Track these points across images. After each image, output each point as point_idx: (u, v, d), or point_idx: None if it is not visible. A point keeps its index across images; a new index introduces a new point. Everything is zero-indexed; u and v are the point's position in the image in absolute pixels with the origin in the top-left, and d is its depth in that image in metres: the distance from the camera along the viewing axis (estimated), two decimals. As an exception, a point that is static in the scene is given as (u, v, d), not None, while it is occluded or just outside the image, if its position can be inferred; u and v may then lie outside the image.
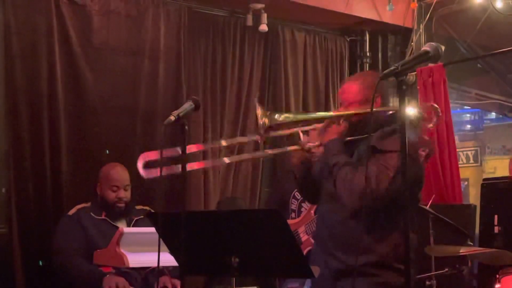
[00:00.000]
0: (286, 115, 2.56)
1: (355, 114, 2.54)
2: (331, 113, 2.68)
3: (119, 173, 3.62)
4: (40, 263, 3.60)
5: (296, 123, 2.61)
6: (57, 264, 3.45)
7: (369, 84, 2.59)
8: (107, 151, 3.77)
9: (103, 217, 3.55)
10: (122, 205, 3.59)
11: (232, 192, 4.65)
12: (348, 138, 2.56)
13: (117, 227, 3.49)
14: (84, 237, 3.46)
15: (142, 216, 3.63)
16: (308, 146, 2.59)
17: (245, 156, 2.53)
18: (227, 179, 4.64)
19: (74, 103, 4.02)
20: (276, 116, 2.47)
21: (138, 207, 3.73)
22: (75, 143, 3.99)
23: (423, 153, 2.61)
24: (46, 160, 3.86)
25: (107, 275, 3.29)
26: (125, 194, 3.60)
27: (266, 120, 2.44)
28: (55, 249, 3.48)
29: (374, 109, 2.47)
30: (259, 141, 2.52)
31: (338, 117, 2.57)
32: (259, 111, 2.44)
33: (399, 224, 2.27)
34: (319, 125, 2.59)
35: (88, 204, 3.60)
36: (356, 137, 2.55)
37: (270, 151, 2.84)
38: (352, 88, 2.63)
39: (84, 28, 4.07)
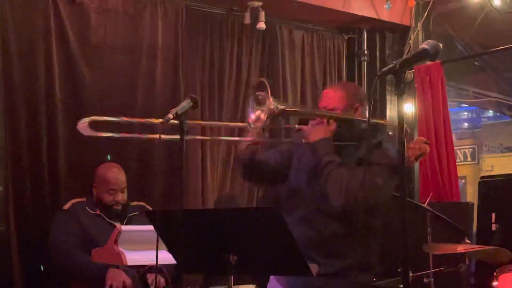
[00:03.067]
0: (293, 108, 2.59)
1: (346, 120, 2.58)
2: (326, 112, 2.66)
3: (116, 176, 3.60)
4: (42, 267, 3.59)
5: (300, 114, 2.68)
6: (55, 259, 3.45)
7: (352, 92, 2.69)
8: (109, 157, 3.75)
9: (98, 212, 3.56)
10: (119, 207, 3.58)
11: (229, 190, 4.65)
12: (335, 143, 2.58)
13: (111, 223, 3.50)
14: (80, 231, 3.46)
15: (136, 213, 3.62)
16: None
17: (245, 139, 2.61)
18: (225, 178, 4.64)
19: (71, 101, 4.01)
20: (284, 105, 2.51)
21: (133, 203, 3.72)
22: (73, 141, 3.98)
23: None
24: (44, 158, 3.85)
25: (110, 269, 3.28)
26: (122, 197, 3.59)
27: (278, 105, 2.46)
28: (52, 244, 3.47)
29: (359, 118, 2.60)
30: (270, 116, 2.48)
31: (330, 117, 2.58)
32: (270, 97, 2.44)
33: (378, 228, 2.50)
34: (314, 122, 2.60)
35: (84, 199, 3.60)
36: (341, 143, 2.58)
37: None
38: (335, 94, 2.67)
39: (81, 26, 4.06)
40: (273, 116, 2.47)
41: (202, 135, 4.49)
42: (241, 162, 2.74)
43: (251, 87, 2.56)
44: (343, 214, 2.46)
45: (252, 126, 2.49)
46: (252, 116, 2.49)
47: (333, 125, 2.56)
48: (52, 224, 3.53)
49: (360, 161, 2.48)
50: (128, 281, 3.23)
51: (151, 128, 4.21)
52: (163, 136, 2.34)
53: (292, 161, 2.73)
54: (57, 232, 3.47)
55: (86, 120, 2.38)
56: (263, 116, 2.46)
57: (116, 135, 2.53)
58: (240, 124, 2.70)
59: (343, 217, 2.47)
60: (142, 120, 2.65)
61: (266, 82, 2.48)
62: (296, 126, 2.66)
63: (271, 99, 2.43)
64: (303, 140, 2.61)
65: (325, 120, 2.57)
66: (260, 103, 2.48)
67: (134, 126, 4.21)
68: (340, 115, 2.59)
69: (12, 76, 3.80)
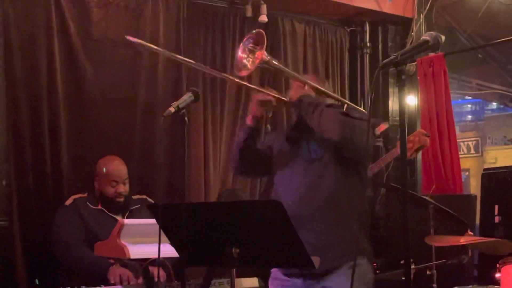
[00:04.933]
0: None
1: (323, 93, 2.75)
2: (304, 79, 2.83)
3: (118, 168, 3.61)
4: (37, 282, 3.60)
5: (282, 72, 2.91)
6: (59, 255, 3.46)
7: (323, 80, 2.95)
8: (103, 173, 3.74)
9: (99, 207, 3.56)
10: (121, 199, 3.59)
11: (232, 183, 4.65)
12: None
13: (113, 217, 3.51)
14: (83, 226, 3.47)
15: (138, 206, 3.63)
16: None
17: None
18: (228, 171, 4.64)
19: (73, 96, 4.02)
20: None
21: (135, 196, 3.72)
22: (75, 135, 3.99)
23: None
24: (46, 153, 3.86)
25: (113, 266, 3.29)
26: (124, 189, 3.60)
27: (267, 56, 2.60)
28: (55, 240, 3.48)
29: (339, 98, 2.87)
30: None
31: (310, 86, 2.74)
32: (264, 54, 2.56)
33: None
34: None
35: (85, 195, 3.61)
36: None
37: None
38: (310, 77, 2.88)
39: (83, 20, 4.06)
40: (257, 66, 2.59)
41: (204, 128, 4.52)
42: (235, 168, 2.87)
43: (248, 35, 2.62)
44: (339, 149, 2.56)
45: (239, 68, 2.59)
46: (242, 60, 2.60)
47: (311, 90, 2.72)
48: (54, 220, 3.53)
49: (342, 113, 2.61)
50: (126, 274, 3.24)
51: (153, 122, 4.23)
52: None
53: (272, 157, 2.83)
54: (60, 228, 3.48)
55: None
56: (250, 66, 2.55)
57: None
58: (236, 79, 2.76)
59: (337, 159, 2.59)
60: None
61: (264, 34, 2.58)
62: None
63: (263, 49, 2.55)
64: (288, 98, 2.70)
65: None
66: (251, 52, 2.58)
67: (137, 120, 4.23)
68: (322, 89, 2.75)
69: (14, 71, 3.80)
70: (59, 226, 3.48)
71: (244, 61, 2.58)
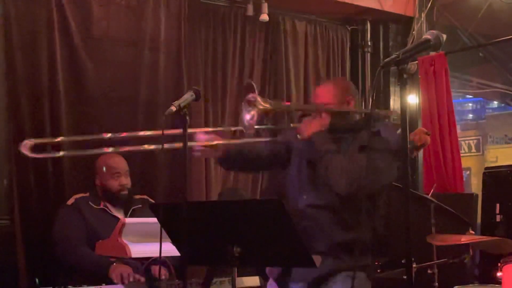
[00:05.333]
0: (279, 103, 2.66)
1: (339, 112, 2.67)
2: (316, 105, 2.76)
3: (118, 160, 3.62)
4: (37, 281, 3.60)
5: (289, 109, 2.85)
6: (59, 254, 3.46)
7: (343, 86, 2.79)
8: (104, 169, 3.74)
9: (101, 206, 3.56)
10: (126, 192, 3.58)
11: (233, 183, 4.65)
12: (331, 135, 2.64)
13: (115, 217, 3.51)
14: (84, 226, 3.46)
15: (140, 206, 3.63)
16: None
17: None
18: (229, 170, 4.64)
19: (74, 94, 4.01)
20: (273, 104, 2.60)
21: (137, 196, 3.72)
22: (76, 134, 3.98)
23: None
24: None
25: (114, 264, 3.29)
26: (127, 181, 3.61)
27: (268, 105, 2.52)
28: (56, 240, 3.47)
29: (349, 109, 2.71)
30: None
31: (322, 110, 2.66)
32: (258, 97, 2.50)
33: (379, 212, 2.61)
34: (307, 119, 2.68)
35: (87, 194, 3.60)
36: (340, 135, 2.65)
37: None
38: (326, 90, 2.77)
39: (84, 18, 4.05)
40: (265, 114, 2.54)
41: (205, 127, 4.51)
42: (218, 160, 2.84)
43: (243, 88, 2.60)
44: (345, 201, 2.51)
45: (247, 127, 2.53)
46: (247, 116, 2.53)
47: (326, 119, 2.64)
48: (55, 220, 3.53)
49: (362, 148, 2.55)
50: (127, 271, 3.25)
51: (154, 121, 4.23)
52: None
53: (290, 153, 2.80)
54: (61, 227, 3.48)
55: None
56: (255, 117, 2.52)
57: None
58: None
59: (344, 205, 2.53)
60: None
61: (253, 83, 2.55)
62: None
63: (258, 98, 2.50)
64: (298, 136, 2.67)
65: (317, 115, 2.65)
66: (251, 104, 2.52)
67: (138, 119, 4.23)
68: (332, 108, 2.66)
69: (15, 70, 3.80)
70: (61, 226, 3.48)
71: (252, 113, 2.53)
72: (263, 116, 2.54)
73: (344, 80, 2.85)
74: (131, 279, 3.20)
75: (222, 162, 2.85)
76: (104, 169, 3.61)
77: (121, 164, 3.62)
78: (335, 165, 2.52)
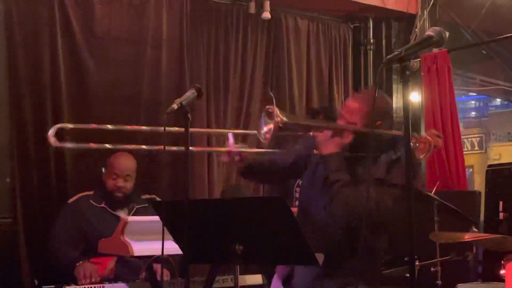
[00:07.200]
0: (297, 118, 2.58)
1: (360, 133, 2.48)
2: (337, 125, 2.60)
3: (121, 162, 3.62)
4: (36, 282, 3.61)
5: (304, 127, 2.63)
6: (48, 251, 3.52)
7: (376, 108, 2.42)
8: (103, 169, 3.74)
9: (102, 205, 3.57)
10: (120, 194, 3.59)
11: (236, 180, 4.65)
12: (348, 154, 2.52)
13: (116, 216, 3.51)
14: (80, 226, 3.49)
15: (145, 205, 3.63)
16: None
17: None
18: (231, 168, 4.64)
19: (77, 93, 4.02)
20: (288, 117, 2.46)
21: (144, 196, 3.74)
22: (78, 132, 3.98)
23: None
24: (50, 150, 3.86)
25: (79, 263, 3.35)
26: (124, 184, 3.59)
27: (283, 117, 2.39)
28: (50, 237, 3.54)
29: (377, 130, 2.48)
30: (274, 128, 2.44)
31: (343, 129, 2.51)
32: (275, 108, 2.40)
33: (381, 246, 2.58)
34: (328, 133, 2.53)
35: (91, 192, 3.62)
36: (356, 154, 2.50)
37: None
38: (357, 108, 2.56)
39: (86, 17, 4.05)
40: (280, 128, 2.42)
41: (207, 125, 4.51)
42: (240, 171, 2.81)
43: (265, 100, 2.55)
44: (346, 232, 2.46)
45: (263, 137, 2.47)
46: (264, 129, 2.47)
47: (348, 138, 2.49)
48: (56, 218, 3.56)
49: (377, 182, 2.43)
50: (89, 271, 3.30)
51: (156, 119, 4.23)
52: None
53: (307, 165, 2.70)
54: (56, 226, 3.53)
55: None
56: (271, 130, 2.42)
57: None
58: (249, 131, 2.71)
59: (346, 235, 2.48)
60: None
61: (272, 94, 2.52)
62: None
63: (277, 110, 2.39)
64: (314, 151, 2.57)
65: (339, 134, 2.50)
66: (270, 116, 2.43)
67: (140, 117, 4.23)
68: (355, 128, 2.51)
69: (17, 68, 3.80)
70: (55, 224, 3.54)
71: (269, 126, 2.43)
72: (280, 130, 2.41)
73: (380, 99, 2.54)
74: (93, 279, 3.25)
75: (243, 172, 2.79)
76: (107, 166, 3.63)
77: (123, 166, 3.61)
78: (341, 198, 2.43)
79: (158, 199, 3.77)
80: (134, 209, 3.62)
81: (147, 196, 3.76)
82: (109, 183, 3.59)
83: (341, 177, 2.46)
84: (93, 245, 3.37)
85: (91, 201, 3.57)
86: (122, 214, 3.56)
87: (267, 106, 2.46)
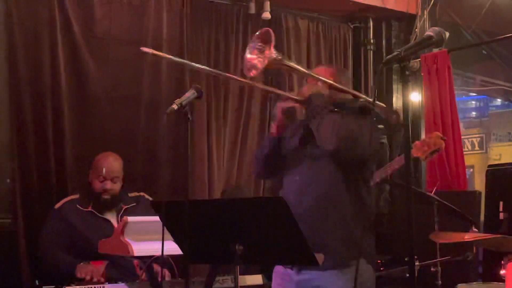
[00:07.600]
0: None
1: (338, 89, 2.69)
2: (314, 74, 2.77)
3: (109, 163, 3.55)
4: (37, 282, 3.61)
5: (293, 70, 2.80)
6: (39, 256, 3.50)
7: (341, 71, 2.88)
8: (103, 170, 3.70)
9: (89, 209, 3.51)
10: (108, 197, 3.52)
11: (236, 181, 4.65)
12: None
13: (104, 219, 3.49)
14: (66, 231, 3.45)
15: (134, 204, 3.59)
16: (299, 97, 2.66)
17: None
18: (232, 168, 4.64)
19: (77, 93, 4.02)
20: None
21: (131, 194, 3.68)
22: (79, 133, 3.99)
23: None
24: (50, 150, 3.86)
25: (81, 264, 3.33)
26: (112, 186, 3.53)
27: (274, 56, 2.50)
28: (39, 242, 3.51)
29: (350, 91, 2.75)
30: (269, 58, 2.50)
31: (319, 80, 2.69)
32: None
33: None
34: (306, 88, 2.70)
35: (77, 196, 3.56)
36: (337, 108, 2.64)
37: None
38: (325, 71, 2.79)
39: (86, 17, 4.05)
40: (270, 67, 2.51)
41: (208, 125, 4.51)
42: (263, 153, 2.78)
43: (255, 35, 2.56)
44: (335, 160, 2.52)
45: (248, 67, 2.52)
46: (251, 60, 2.52)
47: (325, 88, 2.66)
48: (44, 223, 3.54)
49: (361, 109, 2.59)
50: (91, 272, 3.29)
51: (157, 119, 4.23)
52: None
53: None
54: (43, 232, 3.50)
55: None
56: (260, 64, 2.49)
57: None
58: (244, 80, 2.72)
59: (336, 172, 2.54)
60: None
61: (272, 32, 2.51)
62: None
63: (272, 48, 2.46)
64: (300, 95, 2.66)
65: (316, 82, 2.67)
66: (260, 51, 2.50)
67: (140, 118, 4.23)
68: (336, 84, 2.68)
69: (17, 69, 3.80)
70: (44, 230, 3.51)
71: (254, 61, 2.52)
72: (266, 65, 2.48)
73: (342, 68, 2.89)
74: (94, 279, 3.24)
75: (262, 171, 2.84)
76: (93, 168, 3.58)
77: (111, 168, 3.55)
78: (327, 123, 2.50)
79: (147, 196, 3.73)
80: (123, 209, 3.56)
81: (135, 193, 3.72)
82: (96, 185, 3.52)
83: (326, 105, 2.58)
84: (83, 251, 3.36)
85: (77, 205, 3.50)
86: (110, 216, 3.52)
87: (259, 43, 2.51)
